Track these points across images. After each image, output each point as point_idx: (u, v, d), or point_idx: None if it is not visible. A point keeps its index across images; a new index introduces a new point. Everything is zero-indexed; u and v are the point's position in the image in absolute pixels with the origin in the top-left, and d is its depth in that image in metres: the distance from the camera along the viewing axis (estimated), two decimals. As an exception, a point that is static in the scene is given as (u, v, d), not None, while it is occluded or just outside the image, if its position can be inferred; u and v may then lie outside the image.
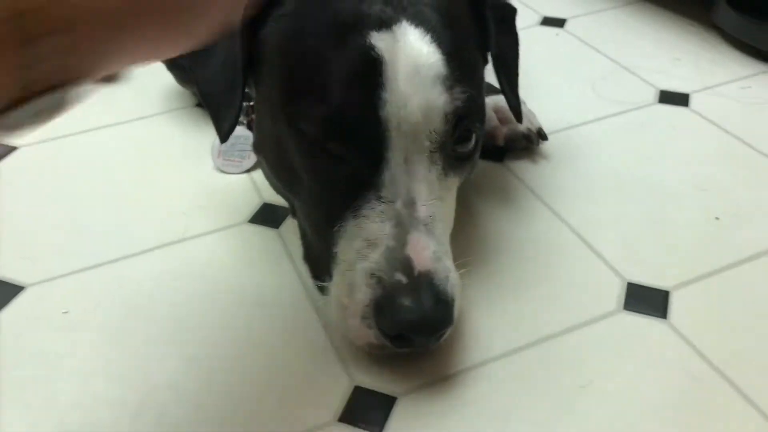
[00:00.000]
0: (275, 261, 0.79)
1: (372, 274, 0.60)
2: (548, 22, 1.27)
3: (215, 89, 0.71)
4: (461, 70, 0.63)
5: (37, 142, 1.01)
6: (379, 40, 0.61)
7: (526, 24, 1.26)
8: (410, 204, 0.61)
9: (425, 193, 0.62)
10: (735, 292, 0.73)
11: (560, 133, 0.97)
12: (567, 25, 1.25)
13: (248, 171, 0.92)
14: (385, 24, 0.62)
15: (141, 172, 0.94)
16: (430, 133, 0.61)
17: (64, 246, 0.82)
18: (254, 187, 0.90)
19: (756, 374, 0.65)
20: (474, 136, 0.66)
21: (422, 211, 0.62)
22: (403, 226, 0.61)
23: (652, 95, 1.05)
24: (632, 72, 1.10)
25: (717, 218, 0.82)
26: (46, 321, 0.73)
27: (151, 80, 1.12)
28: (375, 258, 0.61)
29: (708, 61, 1.12)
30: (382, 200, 0.61)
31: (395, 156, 0.61)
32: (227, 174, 0.92)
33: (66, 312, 0.74)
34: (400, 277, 0.59)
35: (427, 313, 0.58)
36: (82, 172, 0.95)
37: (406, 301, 0.58)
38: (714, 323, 0.70)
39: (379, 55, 0.60)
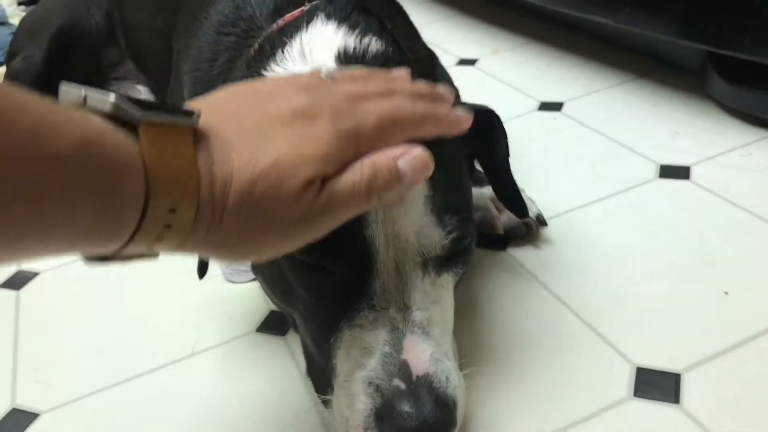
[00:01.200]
0: (282, 371, 0.80)
1: (370, 383, 0.60)
2: (546, 107, 1.30)
3: None
4: (450, 188, 0.64)
5: (57, 267, 1.05)
6: None
7: (523, 111, 1.29)
8: (404, 309, 0.62)
9: (419, 297, 0.63)
10: (749, 370, 0.71)
11: (562, 217, 0.98)
12: (564, 108, 1.28)
13: (255, 279, 0.94)
14: None
15: (152, 289, 0.97)
16: (423, 254, 0.63)
17: (78, 368, 0.84)
18: (261, 295, 0.91)
19: (778, 458, 0.62)
20: (466, 246, 0.67)
21: (417, 315, 0.62)
22: (398, 332, 0.61)
23: (653, 171, 1.05)
24: (631, 149, 1.11)
25: (726, 293, 0.80)
26: (59, 447, 0.74)
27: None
28: (372, 366, 0.61)
29: (707, 132, 1.13)
30: (375, 308, 0.62)
31: (386, 266, 0.62)
32: (235, 283, 0.94)
33: (78, 437, 0.75)
34: (399, 384, 0.59)
35: (428, 419, 0.57)
36: (98, 293, 0.98)
37: (406, 408, 0.57)
38: (728, 405, 0.67)
39: None
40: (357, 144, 0.53)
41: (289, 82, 0.56)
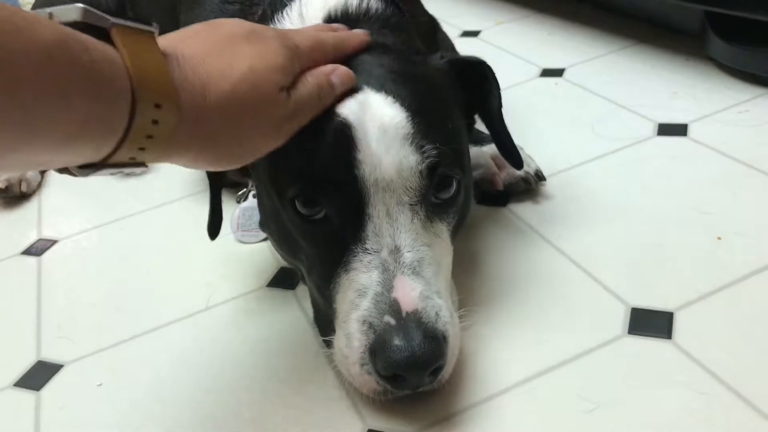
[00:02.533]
0: (292, 320, 0.83)
1: (364, 321, 0.64)
2: (547, 73, 1.32)
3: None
4: (429, 124, 0.67)
5: (76, 233, 1.09)
6: (344, 108, 0.67)
7: (526, 77, 1.31)
8: (396, 252, 0.65)
9: (410, 240, 0.66)
10: (739, 308, 0.73)
11: (562, 174, 1.00)
12: (566, 74, 1.30)
13: (265, 239, 0.98)
14: (348, 93, 0.68)
15: (169, 250, 1.01)
16: (407, 189, 0.66)
17: (99, 324, 0.89)
18: (271, 254, 0.95)
19: (765, 386, 0.64)
20: (454, 182, 0.70)
21: (408, 256, 0.65)
22: (389, 272, 0.65)
23: (651, 129, 1.07)
24: (631, 110, 1.13)
25: (719, 238, 0.83)
26: (82, 395, 0.78)
27: (175, 169, 1.21)
28: (365, 305, 0.64)
29: (705, 91, 1.15)
30: (368, 251, 0.66)
31: (377, 210, 0.66)
32: (246, 244, 0.98)
33: (100, 384, 0.79)
34: (389, 320, 0.63)
35: (416, 350, 0.60)
36: (116, 256, 1.03)
37: (396, 341, 0.61)
38: (720, 340, 0.70)
39: (346, 121, 0.66)
40: (299, 60, 0.64)
41: (233, 18, 0.65)
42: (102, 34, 0.48)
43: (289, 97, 0.61)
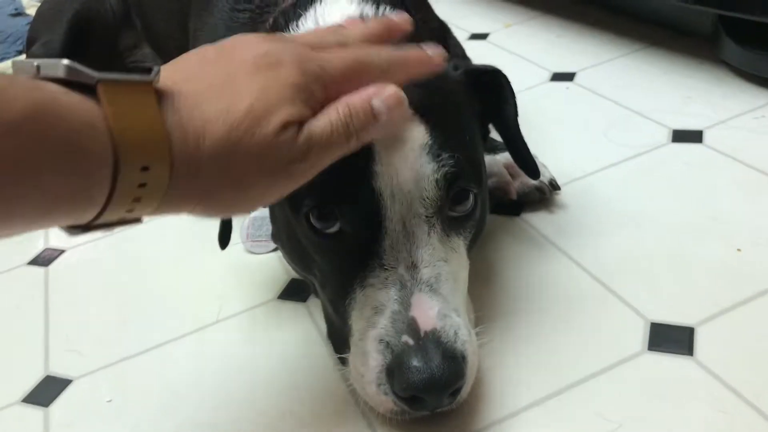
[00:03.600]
0: (304, 334, 0.82)
1: (381, 340, 0.63)
2: (558, 77, 1.30)
3: None
4: (447, 135, 0.66)
5: (83, 243, 1.08)
6: None
7: (536, 81, 1.30)
8: (412, 268, 0.64)
9: (427, 255, 0.65)
10: (762, 323, 0.72)
11: (575, 183, 0.99)
12: (576, 78, 1.28)
13: (275, 250, 0.96)
14: None
15: (178, 261, 1.00)
16: (424, 200, 0.64)
17: (108, 337, 0.87)
18: (281, 265, 0.94)
19: (791, 404, 0.63)
20: (471, 196, 0.69)
21: (425, 273, 0.64)
22: (406, 290, 0.63)
23: (665, 136, 1.06)
24: (644, 116, 1.12)
25: (738, 250, 0.81)
26: (91, 411, 0.77)
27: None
28: (382, 323, 0.63)
29: (719, 97, 1.13)
30: (385, 267, 0.64)
31: (393, 224, 0.64)
32: (256, 254, 0.97)
33: (110, 400, 0.78)
34: (407, 339, 0.61)
35: (435, 372, 0.59)
36: (124, 267, 1.01)
37: (414, 362, 0.59)
38: (742, 356, 0.69)
39: None
40: (324, 86, 0.54)
41: (249, 36, 0.57)
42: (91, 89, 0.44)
43: (300, 133, 0.52)
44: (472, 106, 0.76)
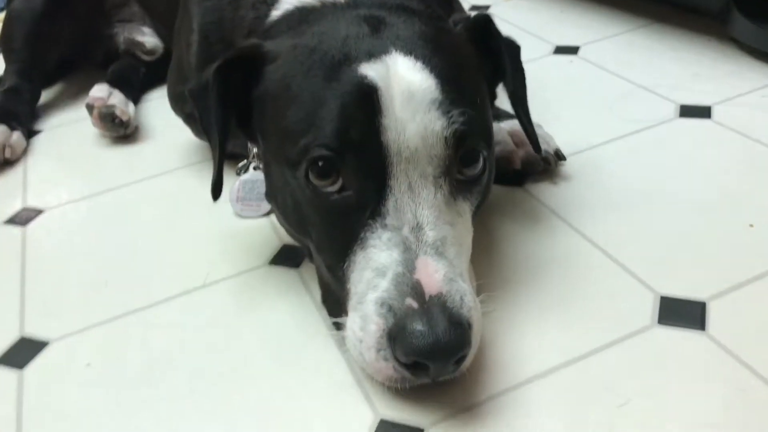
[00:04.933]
0: (296, 300, 0.78)
1: (383, 303, 0.59)
2: (561, 50, 1.27)
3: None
4: (458, 92, 0.62)
5: (64, 204, 1.03)
6: (370, 69, 0.61)
7: (538, 54, 1.26)
8: (417, 229, 0.60)
9: (433, 217, 0.61)
10: (776, 298, 0.69)
11: (581, 154, 0.96)
12: (580, 52, 1.25)
13: (267, 214, 0.92)
14: (375, 55, 0.62)
15: (164, 224, 0.95)
16: (431, 158, 0.61)
17: (88, 300, 0.83)
18: (273, 230, 0.90)
19: (808, 382, 0.60)
20: (481, 158, 0.65)
21: (430, 235, 0.60)
22: (411, 252, 0.59)
23: (673, 111, 1.03)
24: (651, 91, 1.09)
25: (751, 225, 0.78)
26: (69, 375, 0.72)
27: (171, 138, 1.15)
28: (384, 286, 0.59)
29: (727, 74, 1.10)
30: (388, 228, 0.60)
31: (398, 183, 0.60)
32: (246, 218, 0.92)
33: (88, 364, 0.73)
34: (411, 303, 0.57)
35: (441, 337, 0.55)
36: (107, 228, 0.96)
37: (419, 326, 0.56)
38: (756, 332, 0.66)
39: (372, 83, 0.60)
40: None
41: None
42: None
43: None
44: (478, 64, 0.72)
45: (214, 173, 0.74)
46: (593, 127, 1.01)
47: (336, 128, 0.60)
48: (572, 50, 1.26)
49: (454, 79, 0.63)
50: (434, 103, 0.61)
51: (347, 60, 0.62)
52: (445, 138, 0.61)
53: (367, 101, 0.60)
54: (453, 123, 0.61)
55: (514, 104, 0.76)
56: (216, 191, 0.75)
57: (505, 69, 0.74)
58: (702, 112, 1.01)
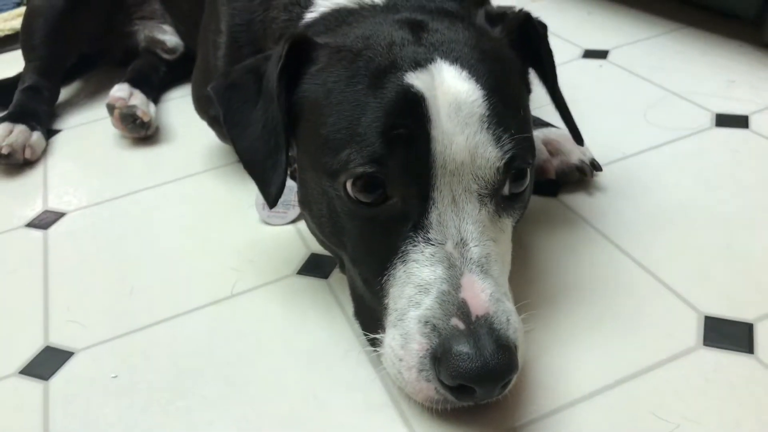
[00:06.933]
0: (326, 312, 0.76)
1: (426, 322, 0.57)
2: (590, 54, 1.24)
3: (257, 156, 0.69)
4: (505, 105, 0.60)
5: (85, 207, 1.01)
6: (415, 79, 0.59)
7: (568, 58, 1.23)
8: (462, 245, 0.58)
9: (477, 233, 0.59)
10: (827, 321, 0.67)
11: (615, 164, 0.93)
12: (610, 56, 1.22)
13: (293, 222, 0.90)
14: (420, 63, 0.60)
15: (188, 229, 0.93)
16: (478, 178, 0.59)
17: (114, 308, 0.81)
18: (300, 238, 0.88)
19: None
20: (528, 173, 0.63)
21: (475, 251, 0.58)
22: (455, 269, 0.57)
23: (709, 119, 1.00)
24: (684, 98, 1.06)
25: (796, 242, 0.76)
26: (95, 387, 0.71)
27: (193, 140, 1.13)
28: (428, 304, 0.57)
29: (765, 81, 1.07)
30: (431, 242, 0.58)
31: (442, 195, 0.58)
32: (273, 226, 0.90)
33: (115, 376, 0.72)
34: (457, 323, 0.55)
35: (489, 361, 0.53)
36: (130, 233, 0.95)
37: (465, 349, 0.54)
38: (808, 356, 0.64)
39: (418, 92, 0.58)
40: None
41: None
42: None
43: None
44: (520, 70, 0.70)
45: (277, 180, 0.68)
46: (627, 135, 0.99)
47: (380, 137, 0.58)
48: (602, 54, 1.23)
49: (501, 90, 0.61)
50: (483, 120, 0.59)
51: (393, 68, 0.60)
52: (498, 168, 0.59)
53: (413, 111, 0.58)
54: (506, 152, 0.59)
55: (553, 97, 0.74)
56: (278, 197, 0.69)
57: (544, 65, 0.72)
58: (739, 121, 0.98)
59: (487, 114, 0.58)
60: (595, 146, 0.93)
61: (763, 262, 0.74)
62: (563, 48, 1.27)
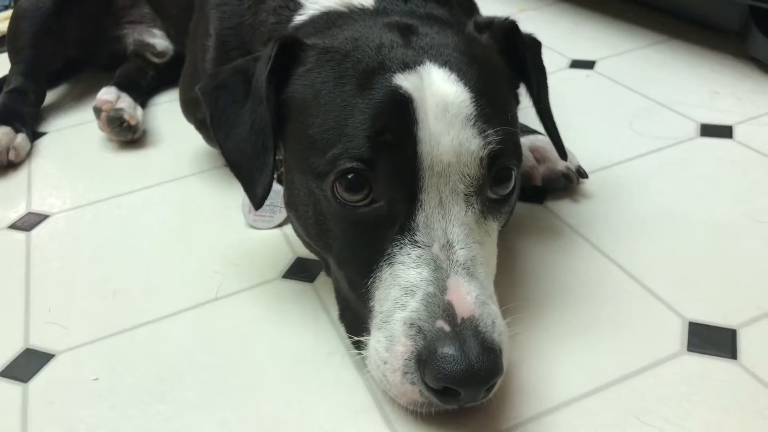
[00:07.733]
0: (311, 316, 0.75)
1: (411, 324, 0.56)
2: (577, 64, 1.25)
3: (244, 157, 0.68)
4: (492, 107, 0.60)
5: (69, 209, 1.00)
6: (404, 80, 0.59)
7: (554, 68, 1.24)
8: (448, 247, 0.58)
9: (463, 235, 0.59)
10: (809, 327, 0.67)
11: (601, 172, 0.94)
12: (597, 66, 1.23)
13: (279, 225, 0.90)
14: (409, 65, 0.61)
15: (172, 233, 0.93)
16: (464, 176, 0.59)
17: (96, 311, 0.80)
18: (286, 242, 0.87)
19: None
20: (513, 176, 0.63)
21: (461, 254, 0.58)
22: (442, 271, 0.57)
23: (693, 129, 1.01)
24: (670, 108, 1.07)
25: (779, 249, 0.77)
26: (76, 390, 0.70)
27: (180, 144, 1.13)
28: (414, 306, 0.57)
29: (748, 92, 1.09)
30: (418, 245, 0.58)
31: (429, 197, 0.58)
32: (259, 229, 0.90)
33: (96, 379, 0.71)
34: (442, 325, 0.55)
35: (474, 363, 0.53)
36: (113, 236, 0.94)
37: (451, 351, 0.53)
38: (791, 362, 0.64)
39: (406, 94, 0.58)
40: None
41: None
42: None
43: None
44: (507, 76, 0.71)
45: (264, 182, 0.67)
46: (613, 143, 1.00)
47: (368, 138, 0.58)
48: (588, 64, 1.24)
49: (488, 93, 0.61)
50: (469, 119, 0.59)
51: (381, 69, 0.60)
52: (481, 158, 0.59)
53: (401, 112, 0.58)
54: (489, 143, 0.59)
55: (539, 109, 0.75)
56: (263, 198, 0.69)
57: (529, 74, 0.73)
58: (723, 131, 0.99)
59: (473, 114, 0.59)
60: (582, 154, 0.94)
61: (746, 268, 0.75)
62: (551, 58, 1.28)
